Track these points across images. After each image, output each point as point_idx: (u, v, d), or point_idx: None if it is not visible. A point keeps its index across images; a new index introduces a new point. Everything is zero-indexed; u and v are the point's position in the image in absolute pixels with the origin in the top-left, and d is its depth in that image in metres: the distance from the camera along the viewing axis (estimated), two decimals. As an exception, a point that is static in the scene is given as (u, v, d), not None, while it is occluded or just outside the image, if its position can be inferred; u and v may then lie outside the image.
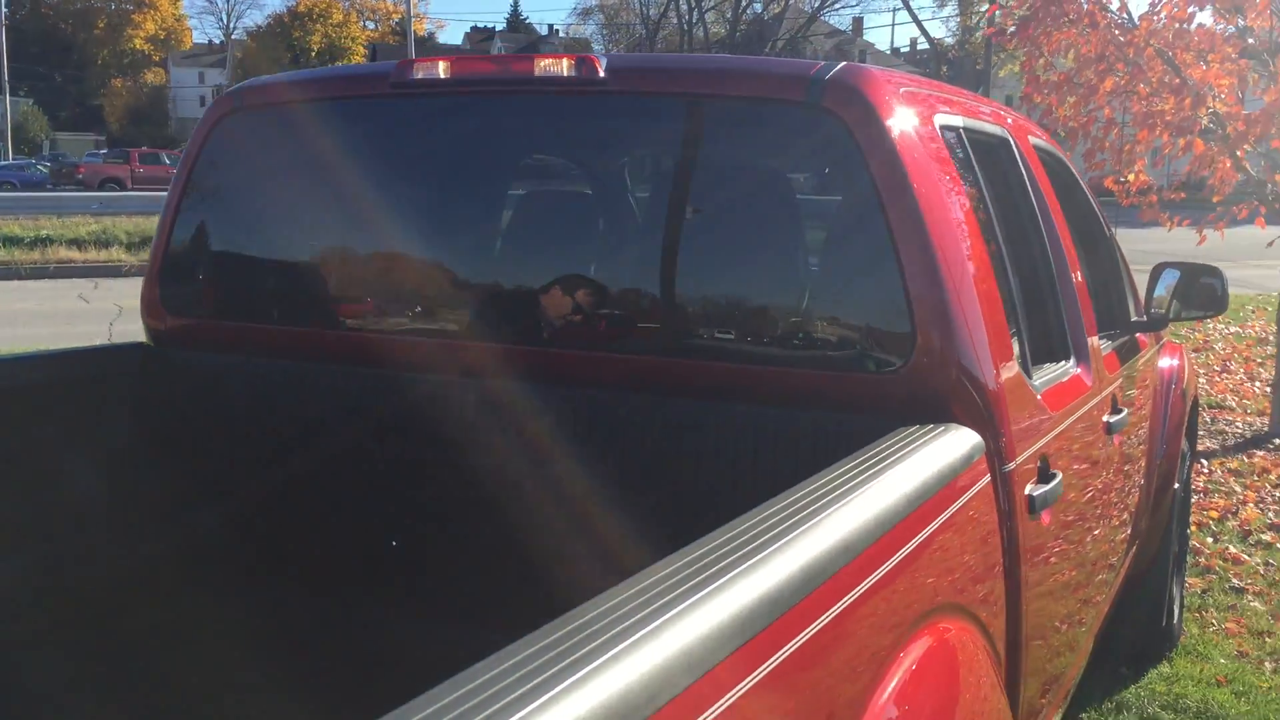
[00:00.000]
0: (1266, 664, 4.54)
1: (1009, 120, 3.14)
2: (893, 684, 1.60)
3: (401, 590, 2.64)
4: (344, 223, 2.81)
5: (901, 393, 2.21)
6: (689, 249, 2.52)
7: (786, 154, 2.56)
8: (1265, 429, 8.13)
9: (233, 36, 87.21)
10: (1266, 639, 4.77)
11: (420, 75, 2.64)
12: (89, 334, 12.46)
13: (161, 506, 2.77)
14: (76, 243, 19.40)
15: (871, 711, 1.54)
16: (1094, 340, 3.15)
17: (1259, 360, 11.36)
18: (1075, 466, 2.77)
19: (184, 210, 2.89)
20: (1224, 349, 12.25)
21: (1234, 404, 9.09)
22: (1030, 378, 2.53)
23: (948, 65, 54.75)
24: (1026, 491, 2.30)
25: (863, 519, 1.57)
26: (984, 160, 2.69)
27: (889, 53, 73.17)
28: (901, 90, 2.40)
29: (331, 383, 2.75)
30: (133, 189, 36.97)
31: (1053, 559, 2.55)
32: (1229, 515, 6.33)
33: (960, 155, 2.52)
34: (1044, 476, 2.42)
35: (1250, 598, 5.20)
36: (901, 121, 2.31)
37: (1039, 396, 2.53)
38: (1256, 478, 7.08)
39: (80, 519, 2.70)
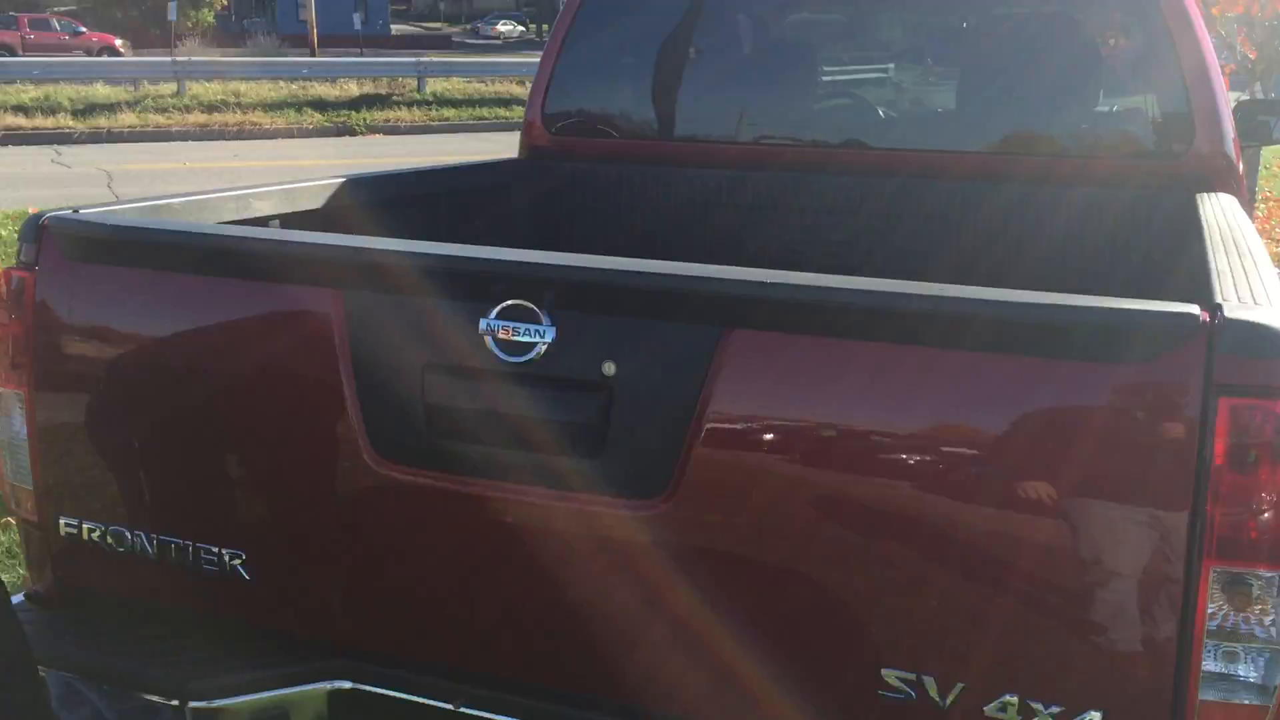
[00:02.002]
0: None
1: None
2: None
3: None
4: (708, 61, 3.58)
5: (1184, 172, 3.11)
6: (1033, 81, 3.38)
7: (1093, 5, 3.41)
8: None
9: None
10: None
11: None
12: (87, 195, 12.72)
13: None
14: (21, 109, 19.08)
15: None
16: None
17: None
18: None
19: (563, 55, 3.63)
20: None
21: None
22: None
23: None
24: None
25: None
26: None
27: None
28: None
29: (681, 180, 3.54)
30: (24, 55, 35.35)
31: None
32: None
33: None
34: None
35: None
36: None
37: None
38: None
39: None
